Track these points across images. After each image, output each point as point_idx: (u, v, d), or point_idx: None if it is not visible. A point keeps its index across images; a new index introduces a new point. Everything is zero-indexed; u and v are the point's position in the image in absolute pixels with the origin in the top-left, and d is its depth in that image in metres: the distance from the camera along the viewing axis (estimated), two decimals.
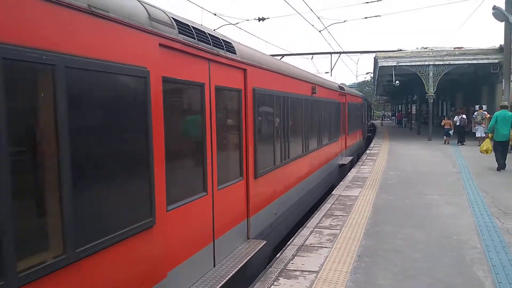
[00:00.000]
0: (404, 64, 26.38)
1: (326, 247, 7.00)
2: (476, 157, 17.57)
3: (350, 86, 49.29)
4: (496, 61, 24.61)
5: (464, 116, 26.06)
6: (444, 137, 25.63)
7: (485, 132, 17.55)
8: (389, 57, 26.93)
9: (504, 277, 5.66)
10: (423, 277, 5.74)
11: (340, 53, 35.28)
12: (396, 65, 26.42)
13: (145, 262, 4.25)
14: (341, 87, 19.42)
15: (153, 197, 4.30)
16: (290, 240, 7.50)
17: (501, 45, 23.22)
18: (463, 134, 25.06)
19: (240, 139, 7.03)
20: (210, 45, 5.76)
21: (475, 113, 24.52)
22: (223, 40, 6.35)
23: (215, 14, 20.36)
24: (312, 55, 35.93)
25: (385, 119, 79.82)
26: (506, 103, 16.90)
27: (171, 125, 4.86)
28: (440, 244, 7.10)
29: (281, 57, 30.45)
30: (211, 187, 5.80)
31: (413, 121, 45.20)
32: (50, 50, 3.10)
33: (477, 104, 26.52)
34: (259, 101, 7.73)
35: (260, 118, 7.90)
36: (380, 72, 29.60)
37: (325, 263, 6.27)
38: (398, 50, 28.53)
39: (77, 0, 3.34)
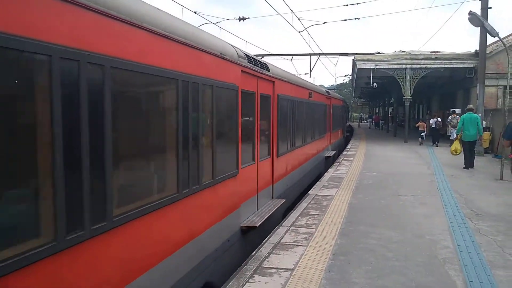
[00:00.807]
0: (382, 67, 26.68)
1: (301, 246, 7.03)
2: (450, 160, 17.87)
3: (329, 88, 49.64)
4: (471, 65, 25.08)
5: (439, 119, 26.90)
6: (419, 138, 26.76)
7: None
8: (368, 59, 27.20)
9: (475, 276, 5.77)
10: (396, 275, 5.81)
11: (319, 54, 35.50)
12: (374, 68, 26.71)
13: (233, 195, 7.32)
14: (327, 92, 23.16)
15: (238, 160, 7.48)
16: (266, 239, 7.52)
17: (476, 50, 23.66)
18: (438, 136, 26.27)
19: (269, 129, 10.10)
20: (258, 67, 8.76)
21: (449, 117, 25.25)
22: (264, 63, 9.52)
23: (195, 13, 20.29)
24: (291, 56, 36.09)
25: (363, 121, 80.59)
26: (471, 106, 17.74)
27: (243, 118, 7.93)
28: (413, 244, 7.19)
29: (261, 57, 30.48)
30: (257, 159, 8.94)
31: (390, 124, 45.72)
32: (209, 77, 6.15)
33: (452, 108, 27.00)
34: (280, 103, 10.82)
35: (280, 116, 10.83)
36: (358, 74, 29.87)
37: (300, 261, 6.29)
38: (376, 53, 28.86)
39: (214, 50, 6.36)
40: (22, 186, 3.12)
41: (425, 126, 27.77)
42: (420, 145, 25.92)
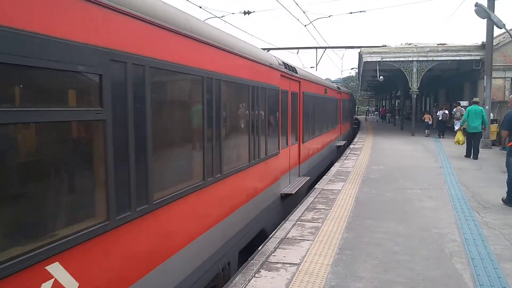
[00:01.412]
0: (388, 59, 26.57)
1: (308, 240, 7.03)
2: (457, 152, 17.78)
3: (335, 81, 49.75)
4: (478, 57, 24.93)
5: (446, 111, 26.86)
6: (426, 130, 27.29)
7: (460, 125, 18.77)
8: (374, 52, 27.10)
9: (482, 269, 5.75)
10: (402, 270, 5.80)
11: (325, 48, 35.35)
12: (380, 61, 26.62)
13: (276, 169, 9.80)
14: (338, 87, 26.21)
15: (279, 142, 9.96)
16: (272, 233, 7.52)
17: (483, 42, 23.47)
18: (444, 128, 26.52)
19: (297, 120, 12.46)
20: (290, 71, 11.20)
21: (454, 109, 25.62)
22: (293, 67, 11.92)
23: (200, 7, 20.25)
24: (297, 50, 35.96)
25: (369, 114, 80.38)
26: (477, 99, 18.26)
27: (283, 112, 10.52)
28: (420, 238, 7.17)
29: (267, 50, 30.40)
30: (289, 144, 11.34)
31: (396, 117, 45.54)
32: (263, 82, 8.57)
33: (459, 100, 26.88)
34: (305, 99, 13.31)
35: (304, 109, 13.30)
36: (364, 67, 29.77)
37: (307, 256, 6.29)
38: (383, 46, 28.71)
39: (266, 62, 8.81)
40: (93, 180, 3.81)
41: (431, 118, 28.54)
42: (426, 136, 26.33)
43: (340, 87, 28.64)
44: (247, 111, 7.80)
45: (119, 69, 3.84)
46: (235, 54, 6.94)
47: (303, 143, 13.08)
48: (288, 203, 10.79)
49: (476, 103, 17.29)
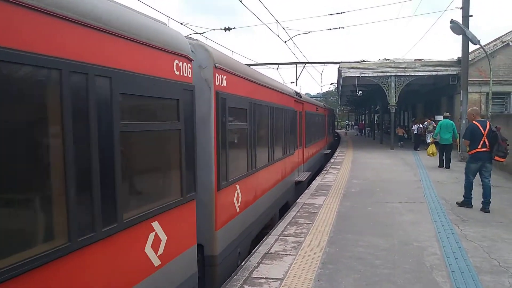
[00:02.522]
0: (367, 75, 26.91)
1: (290, 255, 7.05)
2: (436, 166, 18.07)
3: (315, 96, 50.45)
4: (455, 72, 25.41)
5: (421, 125, 27.50)
6: (399, 142, 29.97)
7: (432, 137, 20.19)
8: (353, 68, 27.43)
9: (462, 282, 5.83)
10: (384, 283, 5.85)
11: (305, 63, 35.78)
12: (359, 76, 26.94)
13: (293, 163, 14.16)
14: (325, 106, 32.22)
15: (302, 142, 16.63)
16: (255, 249, 7.52)
17: (459, 57, 23.99)
18: (419, 142, 27.72)
19: (301, 131, 16.66)
20: (298, 97, 15.83)
21: (425, 123, 27.35)
22: (299, 93, 17.09)
23: (181, 23, 20.33)
24: (278, 65, 36.28)
25: (349, 129, 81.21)
26: (447, 113, 19.92)
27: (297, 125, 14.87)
28: (401, 251, 7.25)
29: (248, 66, 30.56)
30: (298, 147, 15.23)
31: (376, 131, 46.08)
32: (287, 106, 13.16)
33: (437, 114, 27.33)
34: (307, 116, 18.18)
35: (306, 123, 17.84)
36: (344, 82, 30.08)
37: (290, 271, 6.31)
38: (361, 61, 29.10)
39: (286, 92, 13.39)
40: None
41: (403, 131, 33.36)
42: (400, 146, 29.09)
43: (325, 105, 34.85)
44: (282, 124, 12.13)
45: (188, 95, 5.39)
46: (280, 91, 11.97)
47: (305, 148, 17.71)
48: (299, 187, 14.82)
49: (447, 117, 18.91)
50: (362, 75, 26.87)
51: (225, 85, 6.90)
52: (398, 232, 8.41)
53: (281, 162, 11.79)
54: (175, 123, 5.04)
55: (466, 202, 10.59)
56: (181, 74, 5.24)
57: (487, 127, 10.08)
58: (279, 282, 5.89)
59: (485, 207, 10.11)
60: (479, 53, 24.77)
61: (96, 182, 3.59)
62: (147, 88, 4.45)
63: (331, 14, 25.85)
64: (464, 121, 21.01)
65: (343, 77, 27.65)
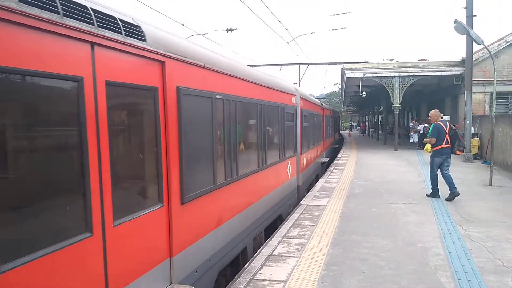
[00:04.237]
0: (371, 75, 26.88)
1: (294, 257, 7.05)
2: None
3: (319, 97, 50.44)
4: (459, 73, 25.37)
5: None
6: (397, 140, 30.34)
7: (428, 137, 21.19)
8: (356, 68, 27.41)
9: (466, 282, 5.82)
10: (388, 284, 5.84)
11: (308, 64, 35.76)
12: (362, 77, 26.91)
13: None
14: (333, 109, 36.50)
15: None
16: (259, 250, 7.52)
17: (463, 57, 23.94)
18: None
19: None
20: (322, 104, 22.47)
21: (411, 123, 31.47)
22: (321, 103, 23.95)
23: (183, 24, 20.35)
24: (280, 66, 36.30)
25: (353, 130, 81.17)
26: (442, 114, 20.92)
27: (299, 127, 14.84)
28: (405, 252, 7.24)
29: (251, 67, 30.57)
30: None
31: (380, 132, 46.00)
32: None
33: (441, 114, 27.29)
34: (327, 118, 25.85)
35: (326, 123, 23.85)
36: (347, 83, 30.06)
37: (293, 272, 6.31)
38: (365, 62, 29.10)
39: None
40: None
41: (399, 129, 34.34)
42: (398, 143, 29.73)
43: (333, 108, 38.69)
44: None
45: (295, 110, 13.32)
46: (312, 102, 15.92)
47: (301, 154, 15.41)
48: (300, 189, 14.64)
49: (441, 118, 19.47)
50: (366, 75, 26.84)
51: (302, 105, 15.06)
52: (402, 233, 8.40)
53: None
54: (293, 123, 13.17)
55: (434, 193, 11.91)
56: (293, 102, 13.13)
57: (448, 126, 11.79)
58: (283, 284, 5.89)
59: (451, 196, 11.53)
60: (483, 53, 24.67)
61: (282, 142, 11.44)
62: (289, 109, 12.39)
63: (334, 15, 25.77)
64: (468, 121, 21.01)
65: (347, 77, 27.64)
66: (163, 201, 5.05)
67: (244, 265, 7.02)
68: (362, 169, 18.92)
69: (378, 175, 16.55)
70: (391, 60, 29.07)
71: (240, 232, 7.90)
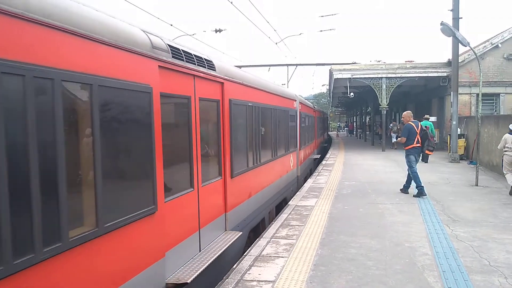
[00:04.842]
0: (358, 76, 27.03)
1: (282, 257, 7.05)
2: (427, 167, 18.15)
3: (307, 98, 50.68)
4: (445, 74, 25.62)
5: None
6: (380, 140, 32.21)
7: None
8: (344, 69, 27.54)
9: (453, 282, 5.87)
10: (376, 284, 5.87)
11: (296, 65, 35.81)
12: (350, 78, 27.05)
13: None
14: (322, 111, 39.64)
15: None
16: (247, 251, 7.52)
17: (449, 59, 24.18)
18: None
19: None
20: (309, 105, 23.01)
21: (390, 124, 32.90)
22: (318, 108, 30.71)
23: (171, 25, 20.29)
24: (269, 67, 36.31)
25: (340, 130, 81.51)
26: (428, 116, 23.46)
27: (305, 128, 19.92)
28: (392, 252, 7.28)
29: (239, 67, 30.57)
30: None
31: (367, 132, 46.23)
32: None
33: (428, 114, 27.57)
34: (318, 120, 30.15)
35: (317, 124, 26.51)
36: (335, 84, 30.19)
37: (282, 273, 6.31)
38: (353, 63, 29.22)
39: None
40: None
41: (380, 130, 35.23)
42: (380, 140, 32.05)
43: (322, 110, 40.44)
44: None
45: (295, 113, 15.54)
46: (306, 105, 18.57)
47: (301, 148, 19.01)
48: (299, 179, 17.08)
49: (427, 119, 22.29)
50: (354, 76, 26.99)
51: (301, 108, 17.39)
52: (390, 233, 8.45)
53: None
54: (295, 124, 15.96)
55: (421, 191, 12.11)
56: (294, 106, 15.81)
57: (419, 127, 12.40)
58: (271, 284, 5.89)
59: (404, 189, 12.93)
60: (469, 55, 24.96)
61: (287, 139, 14.39)
62: (292, 112, 15.28)
63: (322, 16, 25.87)
64: (454, 122, 21.22)
65: (335, 78, 27.75)
66: (222, 175, 7.77)
67: (263, 231, 9.06)
68: (350, 169, 19.00)
69: (365, 176, 16.63)
70: (379, 61, 29.28)
71: (261, 205, 10.65)
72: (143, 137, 4.84)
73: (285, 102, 14.14)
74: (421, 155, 12.61)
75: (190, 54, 6.33)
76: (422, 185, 12.20)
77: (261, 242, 7.98)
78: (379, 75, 26.83)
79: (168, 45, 5.69)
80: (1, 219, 2.96)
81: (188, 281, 5.47)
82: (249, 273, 6.34)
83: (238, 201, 8.61)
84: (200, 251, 6.64)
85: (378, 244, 7.72)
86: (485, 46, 25.37)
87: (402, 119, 13.16)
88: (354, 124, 65.88)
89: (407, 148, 12.41)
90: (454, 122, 21.29)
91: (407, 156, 12.50)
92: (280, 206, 12.81)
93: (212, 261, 6.32)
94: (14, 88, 3.09)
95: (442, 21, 15.68)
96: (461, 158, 21.23)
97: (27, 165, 3.18)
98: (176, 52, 5.81)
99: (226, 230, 7.86)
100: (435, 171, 17.48)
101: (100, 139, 4.00)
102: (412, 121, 12.50)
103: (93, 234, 3.86)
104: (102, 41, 4.10)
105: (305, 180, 17.02)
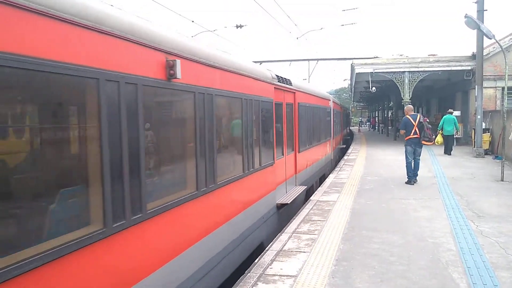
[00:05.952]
0: (380, 71, 26.70)
1: (304, 252, 7.04)
2: (451, 162, 17.92)
3: (329, 93, 50.65)
4: (469, 68, 25.11)
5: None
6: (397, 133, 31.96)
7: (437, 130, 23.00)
8: (366, 64, 27.23)
9: (478, 278, 5.78)
10: (399, 279, 5.82)
11: (317, 59, 35.64)
12: (372, 72, 26.73)
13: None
14: (344, 106, 41.95)
15: (331, 134, 22.26)
16: (269, 246, 7.53)
17: (473, 52, 23.73)
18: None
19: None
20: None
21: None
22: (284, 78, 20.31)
23: (192, 21, 20.39)
24: (290, 62, 36.21)
25: (362, 125, 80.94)
26: (451, 110, 23.51)
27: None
28: (416, 247, 7.21)
29: (260, 63, 30.56)
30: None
31: (389, 127, 45.77)
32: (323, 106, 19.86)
33: (452, 109, 27.16)
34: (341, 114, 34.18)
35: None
36: (357, 78, 29.91)
37: (304, 268, 6.31)
38: (375, 57, 28.88)
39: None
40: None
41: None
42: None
43: (341, 104, 39.93)
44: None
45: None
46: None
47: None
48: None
49: (450, 113, 22.71)
50: (375, 71, 26.67)
51: (333, 106, 22.14)
52: (413, 229, 8.36)
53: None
54: (329, 118, 21.19)
55: (409, 180, 13.50)
56: (329, 104, 20.37)
57: (417, 119, 13.34)
58: (293, 279, 5.89)
59: (414, 179, 13.59)
60: (494, 47, 24.43)
61: (325, 130, 19.39)
62: (328, 109, 20.47)
63: (344, 10, 25.68)
64: (479, 116, 20.84)
65: (356, 73, 27.48)
66: (294, 150, 12.59)
67: (314, 193, 12.58)
68: (372, 164, 18.85)
69: (388, 171, 16.48)
70: (401, 55, 28.83)
71: (313, 174, 15.69)
72: (270, 125, 9.88)
73: (324, 101, 19.03)
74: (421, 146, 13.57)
75: (283, 77, 11.13)
76: (411, 176, 13.57)
77: (282, 237, 7.98)
78: (402, 69, 26.44)
79: (276, 74, 10.52)
80: (109, 196, 4.04)
81: (288, 202, 10.46)
82: (271, 268, 6.35)
83: (302, 168, 13.46)
84: (286, 192, 11.29)
85: (401, 240, 7.65)
86: (511, 39, 24.81)
87: (404, 112, 14.51)
88: (376, 119, 65.12)
89: (406, 139, 13.60)
90: (479, 116, 20.89)
91: (405, 146, 13.77)
92: (323, 178, 17.40)
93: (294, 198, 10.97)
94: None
95: (466, 14, 15.40)
96: (486, 153, 20.85)
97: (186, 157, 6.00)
98: (278, 78, 10.59)
99: (295, 185, 12.58)
100: (459, 166, 17.20)
101: (259, 126, 8.93)
102: (410, 115, 13.59)
103: (253, 170, 8.40)
104: (258, 79, 8.91)
105: (336, 163, 21.55)
